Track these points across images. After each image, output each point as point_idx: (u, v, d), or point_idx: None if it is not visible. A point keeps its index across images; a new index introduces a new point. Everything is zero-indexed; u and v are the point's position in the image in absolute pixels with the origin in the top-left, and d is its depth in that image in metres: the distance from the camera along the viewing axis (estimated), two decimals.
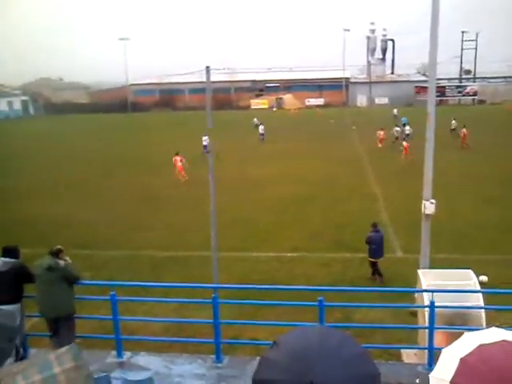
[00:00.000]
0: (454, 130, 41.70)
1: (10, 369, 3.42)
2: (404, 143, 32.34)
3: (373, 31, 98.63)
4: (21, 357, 8.06)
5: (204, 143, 35.20)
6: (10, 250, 8.00)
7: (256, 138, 43.64)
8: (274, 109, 73.72)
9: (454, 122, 42.72)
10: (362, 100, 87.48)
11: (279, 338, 4.37)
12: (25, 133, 56.04)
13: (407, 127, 40.53)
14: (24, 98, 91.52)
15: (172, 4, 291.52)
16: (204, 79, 11.54)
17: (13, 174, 31.04)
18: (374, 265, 13.67)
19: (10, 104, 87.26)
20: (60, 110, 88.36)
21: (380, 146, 38.29)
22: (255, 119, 54.41)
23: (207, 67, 11.62)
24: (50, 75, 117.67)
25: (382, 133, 39.04)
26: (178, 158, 28.78)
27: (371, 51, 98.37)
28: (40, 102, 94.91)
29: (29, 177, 29.89)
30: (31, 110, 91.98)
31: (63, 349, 3.63)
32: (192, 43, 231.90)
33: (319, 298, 7.74)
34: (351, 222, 16.09)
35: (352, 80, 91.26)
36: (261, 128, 44.94)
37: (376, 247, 13.59)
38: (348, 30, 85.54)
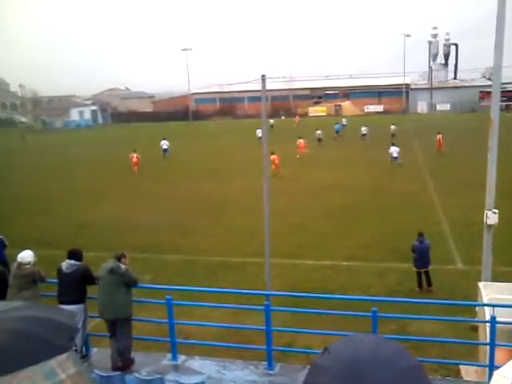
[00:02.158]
0: (393, 135, 45.03)
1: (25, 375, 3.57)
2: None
3: (435, 36, 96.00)
4: (83, 355, 8.45)
5: (164, 147, 41.20)
6: (75, 252, 8.40)
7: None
8: (283, 117, 73.14)
9: (393, 127, 46.59)
10: (422, 106, 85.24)
11: (331, 345, 4.35)
12: (92, 141, 58.62)
13: (363, 128, 47.11)
14: (93, 107, 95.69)
15: (232, 14, 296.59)
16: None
17: (79, 179, 32.58)
18: (419, 275, 13.31)
19: (81, 114, 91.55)
20: (126, 118, 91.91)
21: (299, 156, 37.56)
22: (259, 130, 53.62)
23: (263, 76, 11.74)
24: (118, 85, 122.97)
25: (302, 141, 38.76)
26: (135, 155, 34.69)
27: (433, 56, 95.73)
28: (108, 112, 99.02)
29: (92, 182, 31.24)
30: (100, 119, 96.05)
31: (63, 356, 3.76)
32: (252, 52, 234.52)
33: (373, 309, 7.63)
34: (409, 231, 15.63)
35: (412, 86, 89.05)
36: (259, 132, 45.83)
37: (419, 257, 13.22)
38: (408, 36, 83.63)
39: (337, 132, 48.94)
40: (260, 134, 47.23)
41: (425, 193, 24.55)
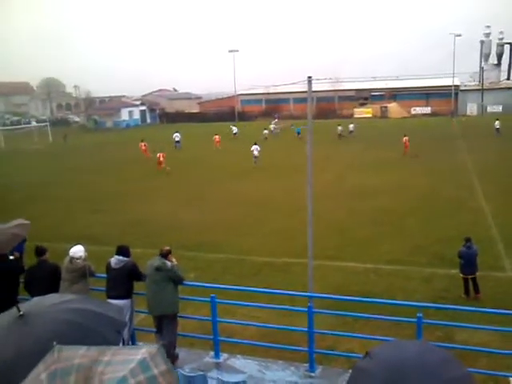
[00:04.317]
0: (340, 135, 51.00)
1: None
2: (160, 154, 35.07)
3: (488, 35, 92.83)
4: None
5: (176, 139, 48.07)
6: (123, 249, 8.67)
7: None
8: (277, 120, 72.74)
9: (339, 127, 51.54)
10: (472, 108, 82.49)
11: (373, 350, 4.30)
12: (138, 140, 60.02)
13: (351, 125, 53.51)
14: (142, 108, 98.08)
15: (278, 15, 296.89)
16: (307, 89, 11.60)
17: (127, 178, 33.47)
18: (466, 282, 12.92)
19: (130, 114, 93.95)
20: (173, 119, 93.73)
21: (215, 149, 45.03)
22: (234, 127, 58.80)
23: (309, 77, 11.69)
24: (166, 86, 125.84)
25: (217, 137, 46.82)
26: (143, 144, 42.25)
27: (485, 56, 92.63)
28: (156, 112, 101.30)
29: (139, 180, 32.03)
30: (148, 119, 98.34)
31: (153, 348, 3.78)
32: (297, 53, 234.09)
33: (418, 315, 7.51)
34: (456, 237, 15.20)
35: (462, 87, 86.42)
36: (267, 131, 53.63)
37: (466, 263, 12.79)
38: (459, 35, 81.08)
39: (298, 133, 52.46)
40: (235, 131, 55.95)
41: (473, 197, 23.85)
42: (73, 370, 3.39)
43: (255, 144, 36.41)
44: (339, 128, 51.66)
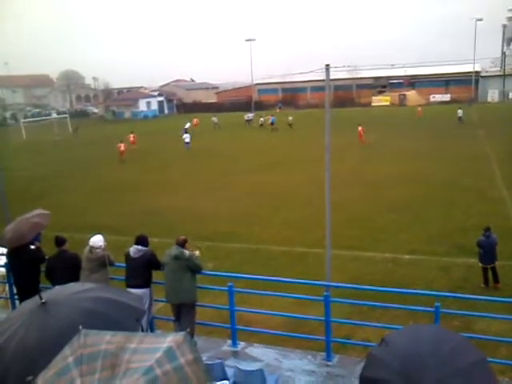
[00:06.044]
0: (290, 125, 52.44)
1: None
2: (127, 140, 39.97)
3: (510, 19, 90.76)
4: None
5: (185, 129, 49.18)
6: (142, 238, 8.75)
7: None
8: (278, 110, 74.92)
9: (290, 118, 53.96)
10: (493, 95, 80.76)
11: (389, 337, 4.28)
12: (156, 130, 60.36)
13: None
14: (160, 98, 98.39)
15: (295, 3, 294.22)
16: (325, 77, 11.50)
17: (142, 168, 33.71)
18: (485, 271, 12.79)
19: (148, 104, 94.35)
20: (190, 109, 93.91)
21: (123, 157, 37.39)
22: (214, 118, 61.40)
23: (327, 65, 11.58)
24: (183, 77, 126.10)
25: (122, 145, 37.79)
26: (131, 135, 43.10)
27: (507, 41, 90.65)
28: (174, 102, 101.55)
29: (157, 171, 32.23)
30: (166, 110, 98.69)
31: (179, 336, 3.74)
32: (314, 41, 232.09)
33: (436, 304, 7.48)
34: (475, 226, 15.03)
35: (483, 74, 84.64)
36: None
37: (485, 253, 12.67)
38: (480, 20, 79.28)
39: (272, 123, 54.24)
40: (215, 120, 59.57)
41: (493, 186, 23.50)
42: (99, 356, 3.39)
43: (186, 133, 41.76)
44: (261, 119, 55.73)
